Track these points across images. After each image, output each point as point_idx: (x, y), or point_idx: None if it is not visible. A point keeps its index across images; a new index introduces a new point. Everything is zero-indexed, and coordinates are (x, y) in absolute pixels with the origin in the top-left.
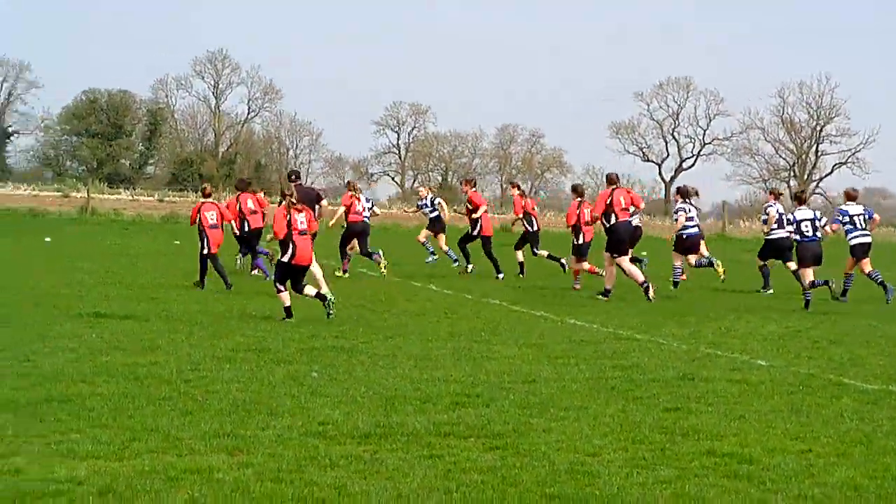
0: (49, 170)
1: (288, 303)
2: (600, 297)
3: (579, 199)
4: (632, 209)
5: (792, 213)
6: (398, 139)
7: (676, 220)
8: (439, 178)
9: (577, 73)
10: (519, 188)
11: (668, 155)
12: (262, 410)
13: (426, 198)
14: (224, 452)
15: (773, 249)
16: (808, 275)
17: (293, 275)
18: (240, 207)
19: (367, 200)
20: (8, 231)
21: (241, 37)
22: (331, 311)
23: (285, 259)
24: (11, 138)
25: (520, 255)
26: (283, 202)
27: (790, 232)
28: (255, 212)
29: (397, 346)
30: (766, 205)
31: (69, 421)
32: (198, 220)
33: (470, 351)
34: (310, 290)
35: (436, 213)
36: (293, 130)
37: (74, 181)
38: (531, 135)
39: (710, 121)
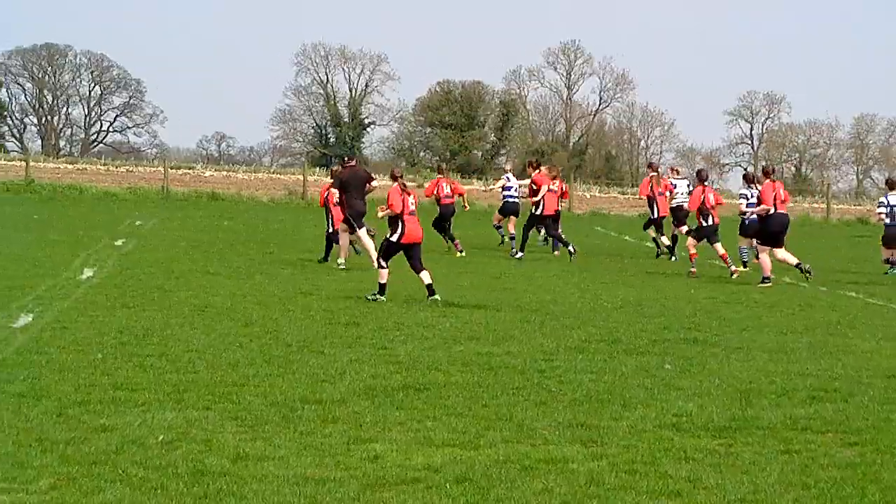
0: (403, 160)
1: (384, 280)
2: (762, 284)
3: (703, 184)
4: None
5: (885, 197)
6: (751, 129)
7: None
8: (793, 169)
9: None
10: (656, 170)
11: None
12: (614, 401)
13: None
14: (578, 443)
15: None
16: None
17: (399, 251)
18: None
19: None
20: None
21: (593, 27)
22: (435, 297)
23: (394, 238)
24: (368, 129)
25: (664, 239)
26: (396, 183)
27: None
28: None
29: (751, 338)
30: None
31: (425, 409)
32: (325, 199)
33: (826, 344)
34: (425, 276)
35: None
36: (644, 121)
37: (429, 171)
38: (889, 124)
39: None
